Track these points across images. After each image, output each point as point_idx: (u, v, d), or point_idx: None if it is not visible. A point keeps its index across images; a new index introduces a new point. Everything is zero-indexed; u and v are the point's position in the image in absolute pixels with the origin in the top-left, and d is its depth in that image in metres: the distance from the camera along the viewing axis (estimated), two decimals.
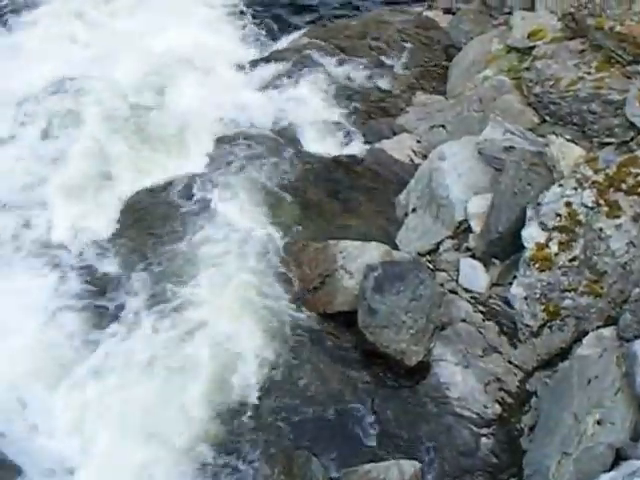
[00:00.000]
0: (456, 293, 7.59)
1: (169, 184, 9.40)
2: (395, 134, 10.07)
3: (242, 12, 13.56)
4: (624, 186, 6.88)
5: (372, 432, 6.83)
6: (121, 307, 8.00)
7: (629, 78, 7.82)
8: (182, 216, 8.91)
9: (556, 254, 6.90)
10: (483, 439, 6.77)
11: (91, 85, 10.91)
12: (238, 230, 8.53)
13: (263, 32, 13.08)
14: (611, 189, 6.92)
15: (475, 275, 7.60)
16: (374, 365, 7.31)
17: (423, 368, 7.19)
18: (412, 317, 7.17)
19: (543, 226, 7.05)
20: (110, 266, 8.48)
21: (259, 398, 7.10)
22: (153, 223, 8.94)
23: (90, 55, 11.94)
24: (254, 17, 13.41)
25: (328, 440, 6.80)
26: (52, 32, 12.62)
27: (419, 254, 8.08)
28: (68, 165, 9.65)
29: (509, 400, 6.92)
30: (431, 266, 7.88)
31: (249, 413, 6.99)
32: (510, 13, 10.45)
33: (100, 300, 8.14)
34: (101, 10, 13.31)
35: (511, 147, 7.78)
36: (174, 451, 6.74)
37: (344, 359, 7.39)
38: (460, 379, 7.09)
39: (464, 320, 7.40)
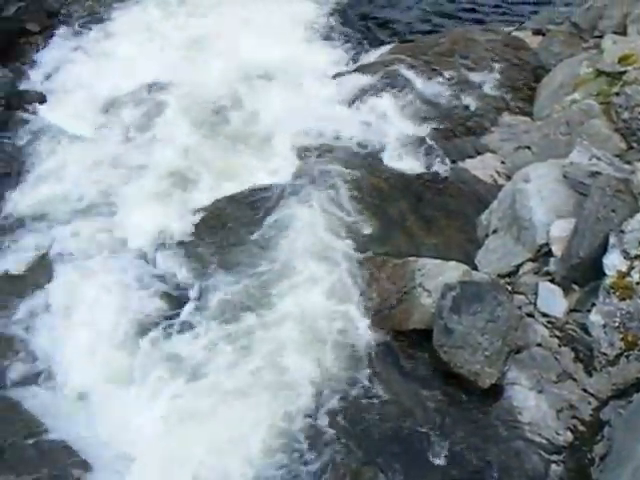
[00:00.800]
0: (533, 317, 7.51)
1: (251, 192, 9.52)
2: (479, 154, 10.03)
3: (331, 23, 13.69)
4: None
5: (441, 452, 6.80)
6: (195, 313, 8.17)
7: None
8: (261, 224, 9.02)
9: (637, 283, 6.80)
10: (553, 466, 6.68)
11: (176, 90, 11.18)
12: (317, 242, 8.58)
13: (351, 45, 13.16)
14: None
15: (553, 300, 7.52)
16: (447, 385, 7.29)
17: (496, 391, 7.14)
18: (488, 339, 7.15)
19: (625, 254, 6.95)
20: (188, 270, 8.64)
21: (329, 410, 7.15)
22: (233, 230, 9.07)
23: (177, 59, 12.25)
24: (342, 29, 13.52)
25: (396, 457, 6.80)
26: (137, 35, 12.98)
27: (498, 275, 8.02)
28: (151, 169, 9.91)
29: (581, 428, 6.82)
30: (509, 288, 7.81)
31: (318, 424, 7.05)
32: (601, 37, 10.29)
33: (176, 302, 8.34)
34: (188, 11, 13.61)
35: (597, 173, 7.67)
36: (245, 451, 6.85)
37: (417, 377, 7.40)
38: (533, 404, 7.02)
39: (540, 345, 7.31)
